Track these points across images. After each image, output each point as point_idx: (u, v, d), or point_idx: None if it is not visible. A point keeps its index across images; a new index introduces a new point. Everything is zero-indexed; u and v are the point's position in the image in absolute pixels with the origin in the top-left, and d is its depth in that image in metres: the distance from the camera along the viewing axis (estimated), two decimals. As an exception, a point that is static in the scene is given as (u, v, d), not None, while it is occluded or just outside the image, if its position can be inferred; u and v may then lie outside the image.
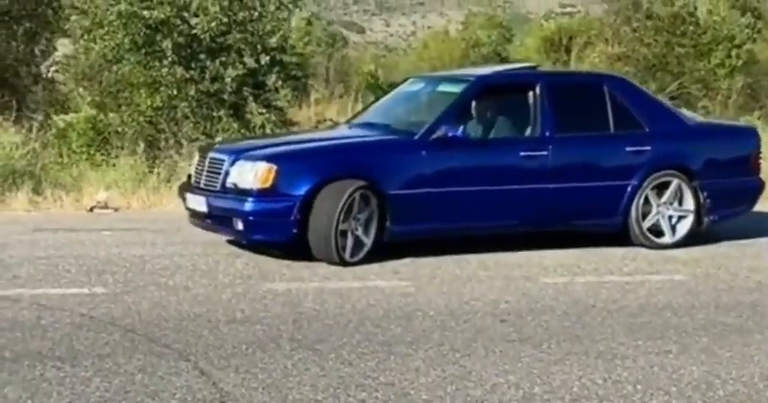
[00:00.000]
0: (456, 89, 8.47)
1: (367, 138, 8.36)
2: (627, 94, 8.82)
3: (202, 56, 13.04)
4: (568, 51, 27.95)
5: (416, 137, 8.01)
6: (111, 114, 13.37)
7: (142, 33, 12.80)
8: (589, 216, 8.46)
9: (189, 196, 8.10)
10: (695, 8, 21.70)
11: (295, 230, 7.51)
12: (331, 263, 7.58)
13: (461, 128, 8.01)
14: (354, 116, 9.66)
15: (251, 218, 7.57)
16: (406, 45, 49.89)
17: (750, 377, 5.32)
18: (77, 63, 14.77)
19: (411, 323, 6.15)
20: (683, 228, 8.62)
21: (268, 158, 7.65)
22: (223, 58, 13.02)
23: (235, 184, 7.66)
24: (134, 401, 4.67)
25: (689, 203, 8.57)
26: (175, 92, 13.00)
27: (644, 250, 8.55)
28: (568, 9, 46.77)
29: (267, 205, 7.54)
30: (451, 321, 6.23)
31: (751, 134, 9.37)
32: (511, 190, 8.12)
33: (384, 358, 5.44)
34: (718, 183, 8.63)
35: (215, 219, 7.86)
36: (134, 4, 12.61)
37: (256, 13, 13.33)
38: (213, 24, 12.83)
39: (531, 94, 8.42)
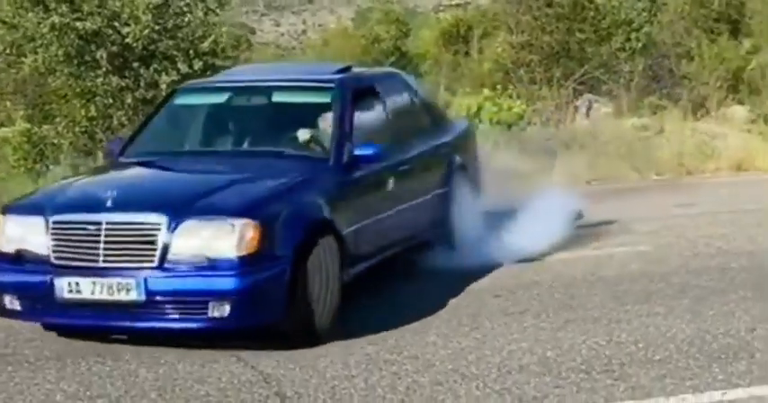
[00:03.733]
0: (317, 99, 6.88)
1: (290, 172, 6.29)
2: None
3: (136, 64, 13.21)
4: (467, 42, 28.54)
5: (330, 163, 6.40)
6: (45, 126, 13.45)
7: (75, 44, 12.91)
8: None
9: (65, 282, 5.56)
10: (596, -6, 22.44)
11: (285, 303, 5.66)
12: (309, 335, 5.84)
13: (361, 143, 6.56)
14: (130, 143, 7.01)
15: (240, 297, 5.48)
16: (297, 44, 49.98)
17: (737, 331, 5.84)
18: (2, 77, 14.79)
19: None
20: None
21: (246, 212, 5.62)
22: (156, 66, 13.20)
23: (196, 255, 5.51)
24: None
25: None
26: (111, 101, 13.15)
27: (603, 227, 9.02)
28: (456, 1, 47.50)
29: (259, 276, 5.55)
30: (455, 301, 6.65)
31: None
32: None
33: (400, 336, 5.85)
34: None
35: (157, 309, 5.55)
36: (66, 16, 12.72)
37: (185, 20, 13.53)
38: (145, 32, 13.00)
39: (405, 95, 7.62)
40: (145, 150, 6.81)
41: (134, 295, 5.48)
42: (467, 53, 27.77)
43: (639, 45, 21.83)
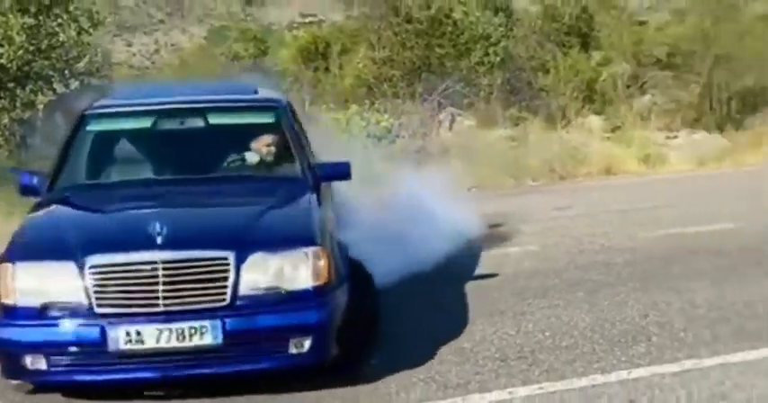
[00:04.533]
0: (260, 119, 6.47)
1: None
2: None
3: (11, 84, 13.15)
4: (326, 59, 28.93)
5: (308, 182, 6.09)
6: None
7: (-52, 67, 12.80)
8: None
9: (121, 332, 4.88)
10: (451, 10, 23.10)
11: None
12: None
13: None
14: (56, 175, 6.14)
15: (322, 329, 5.14)
16: (150, 63, 49.45)
17: (632, 318, 6.34)
18: None
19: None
20: None
21: (315, 239, 5.24)
22: (32, 86, 13.18)
23: (269, 289, 5.08)
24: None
25: None
26: (-14, 122, 13.08)
27: (493, 229, 9.49)
28: (309, 19, 47.80)
29: (335, 305, 5.23)
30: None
31: None
32: None
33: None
34: None
35: (236, 351, 5.03)
36: (-60, 38, 12.62)
37: (59, 40, 13.54)
38: (19, 53, 12.96)
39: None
40: (82, 182, 6.13)
41: (209, 339, 4.90)
42: (327, 69, 28.14)
43: (497, 59, 22.59)
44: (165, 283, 4.90)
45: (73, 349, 4.90)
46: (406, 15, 23.07)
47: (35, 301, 4.93)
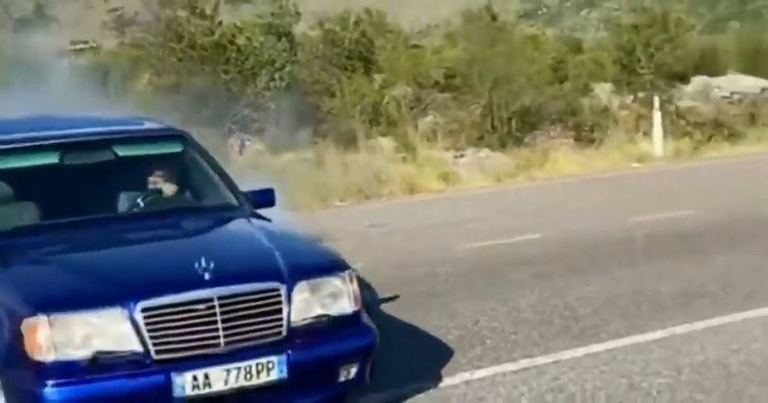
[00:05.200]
0: (168, 149, 6.31)
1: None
2: None
3: None
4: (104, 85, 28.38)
5: (246, 209, 6.08)
6: None
7: None
8: None
9: (188, 378, 4.66)
10: (234, 36, 23.14)
11: None
12: None
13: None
14: None
15: (369, 353, 5.18)
16: None
17: (464, 324, 6.98)
18: None
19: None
20: None
21: (344, 264, 5.30)
22: None
23: (316, 317, 5.03)
24: None
25: None
26: None
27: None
28: (80, 46, 46.73)
29: (372, 328, 5.29)
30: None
31: None
32: None
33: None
34: None
35: (299, 383, 4.94)
36: None
37: None
38: None
39: None
40: (8, 227, 5.58)
41: (275, 374, 4.79)
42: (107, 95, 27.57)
43: (283, 84, 22.77)
44: (223, 321, 4.69)
45: (130, 401, 4.55)
46: (190, 41, 22.95)
47: (81, 355, 4.53)
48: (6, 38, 47.11)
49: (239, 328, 4.72)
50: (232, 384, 4.66)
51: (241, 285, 4.79)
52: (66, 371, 4.48)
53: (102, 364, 4.52)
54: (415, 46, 29.50)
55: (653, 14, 28.31)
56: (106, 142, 6.10)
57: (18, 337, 4.51)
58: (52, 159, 5.87)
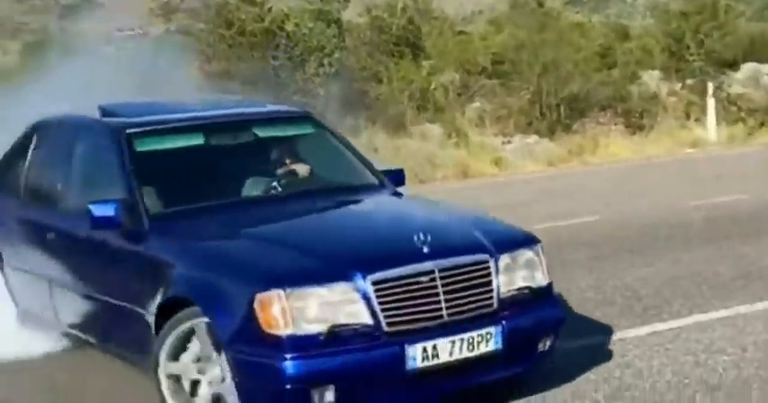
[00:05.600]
0: (300, 130, 6.37)
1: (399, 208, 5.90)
2: None
3: None
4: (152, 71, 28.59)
5: (389, 189, 6.13)
6: None
7: None
8: None
9: (418, 350, 4.71)
10: (284, 22, 23.25)
11: None
12: None
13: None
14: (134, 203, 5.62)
15: (562, 326, 5.40)
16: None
17: None
18: None
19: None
20: None
21: (535, 238, 5.39)
22: None
23: (519, 290, 5.13)
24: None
25: None
26: None
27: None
28: (128, 32, 47.17)
29: (560, 302, 5.57)
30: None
31: None
32: None
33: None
34: None
35: (511, 355, 5.03)
36: None
37: None
38: None
39: None
40: (183, 207, 5.58)
41: (492, 345, 4.86)
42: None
43: (332, 70, 22.87)
44: (444, 293, 4.77)
45: (367, 374, 4.62)
46: (239, 28, 23.10)
47: (317, 329, 4.58)
48: (53, 24, 47.57)
49: (458, 300, 4.80)
50: (456, 355, 4.74)
51: (458, 257, 4.87)
52: (303, 344, 4.54)
53: (336, 337, 4.58)
54: (460, 32, 29.53)
55: (702, 1, 28.15)
56: (247, 123, 6.18)
57: (250, 313, 4.56)
58: (198, 140, 5.95)
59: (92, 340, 6.03)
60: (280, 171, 6.06)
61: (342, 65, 23.30)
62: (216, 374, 4.83)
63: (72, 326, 6.20)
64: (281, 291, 4.54)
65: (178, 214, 5.50)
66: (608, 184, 13.10)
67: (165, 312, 5.01)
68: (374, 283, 4.64)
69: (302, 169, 6.09)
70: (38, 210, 6.49)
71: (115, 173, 5.69)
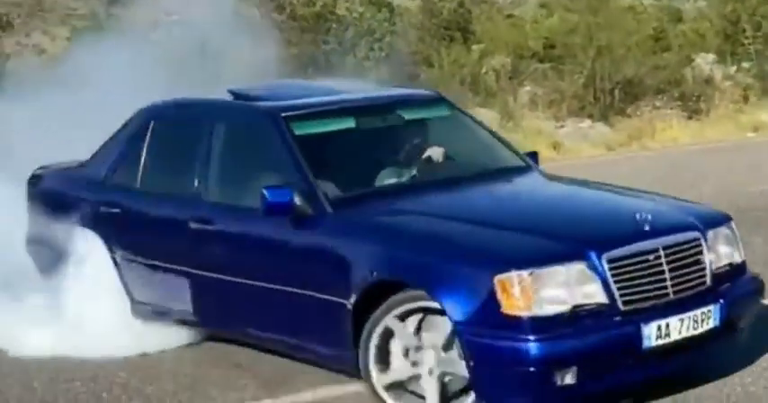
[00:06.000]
0: (439, 112, 6.36)
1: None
2: None
3: None
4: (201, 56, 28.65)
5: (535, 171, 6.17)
6: None
7: None
8: None
9: (653, 328, 4.77)
10: (334, 6, 23.17)
11: None
12: None
13: None
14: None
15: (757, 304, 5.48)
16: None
17: None
18: None
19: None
20: None
21: (728, 215, 5.49)
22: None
23: (720, 267, 5.20)
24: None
25: None
26: None
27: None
28: (175, 17, 47.18)
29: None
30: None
31: None
32: None
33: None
34: None
35: (727, 332, 5.13)
36: None
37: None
38: None
39: None
40: (362, 191, 5.60)
41: (711, 322, 4.92)
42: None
43: (383, 54, 22.75)
44: (669, 271, 4.82)
45: (605, 355, 4.62)
46: (291, 12, 23.06)
47: (558, 309, 4.57)
48: (101, 9, 47.73)
49: (681, 278, 4.85)
50: (684, 334, 4.77)
51: (677, 235, 4.92)
52: (545, 325, 4.53)
53: (575, 318, 4.56)
54: (509, 16, 29.30)
55: (759, -17, 27.71)
56: (392, 106, 6.16)
57: (489, 295, 4.53)
58: (349, 124, 5.88)
59: (258, 334, 5.83)
60: (423, 154, 5.96)
61: (392, 49, 23.18)
62: (432, 362, 4.79)
63: (221, 320, 6.04)
64: (522, 272, 4.52)
65: (356, 198, 5.45)
66: (671, 169, 12.87)
67: (368, 298, 4.95)
68: (609, 262, 4.64)
69: (438, 153, 5.98)
70: (166, 200, 6.23)
71: (279, 158, 5.60)
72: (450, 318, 4.60)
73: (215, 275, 5.84)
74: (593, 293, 4.59)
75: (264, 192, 5.22)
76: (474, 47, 25.08)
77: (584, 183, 6.00)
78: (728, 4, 27.37)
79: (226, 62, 26.82)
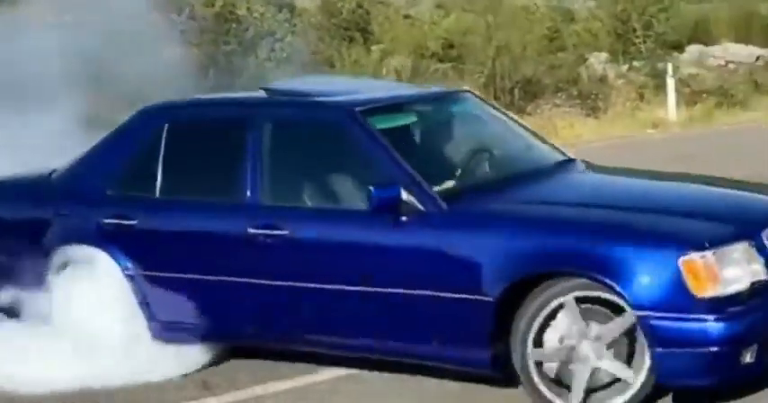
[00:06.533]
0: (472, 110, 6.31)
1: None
2: None
3: None
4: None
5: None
6: None
7: None
8: None
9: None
10: (234, 6, 23.04)
11: None
12: None
13: None
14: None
15: None
16: None
17: None
18: None
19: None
20: None
21: None
22: None
23: None
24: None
25: None
26: None
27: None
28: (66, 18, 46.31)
29: None
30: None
31: None
32: None
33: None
34: None
35: None
36: None
37: None
38: None
39: None
40: (462, 185, 5.45)
41: None
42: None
43: (284, 55, 22.69)
44: None
45: None
46: (190, 13, 22.83)
47: (738, 288, 4.62)
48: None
49: None
50: None
51: None
52: (730, 304, 4.58)
53: (752, 295, 4.63)
54: (406, 16, 29.51)
55: (647, -17, 28.42)
56: (441, 100, 6.18)
57: (673, 277, 4.55)
58: (411, 118, 5.74)
59: (350, 342, 5.41)
60: (476, 147, 5.87)
61: (294, 49, 23.15)
62: (588, 353, 4.75)
63: (296, 330, 5.55)
64: (706, 253, 4.56)
65: (466, 192, 5.30)
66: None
67: (514, 293, 4.81)
68: None
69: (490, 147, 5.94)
70: (204, 208, 5.71)
71: (367, 155, 5.32)
72: (632, 305, 4.60)
73: (293, 283, 5.40)
74: (758, 271, 4.69)
75: (373, 190, 4.98)
76: (374, 47, 25.20)
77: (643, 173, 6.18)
78: (619, 3, 28.05)
79: (122, 65, 26.41)
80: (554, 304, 4.74)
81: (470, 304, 4.87)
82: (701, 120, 17.19)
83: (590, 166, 5.97)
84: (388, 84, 6.69)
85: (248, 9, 23.11)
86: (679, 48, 27.02)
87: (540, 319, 4.76)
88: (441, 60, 24.46)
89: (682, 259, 4.54)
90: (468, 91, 6.46)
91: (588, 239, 4.75)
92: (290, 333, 5.53)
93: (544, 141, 6.19)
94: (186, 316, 5.74)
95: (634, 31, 27.06)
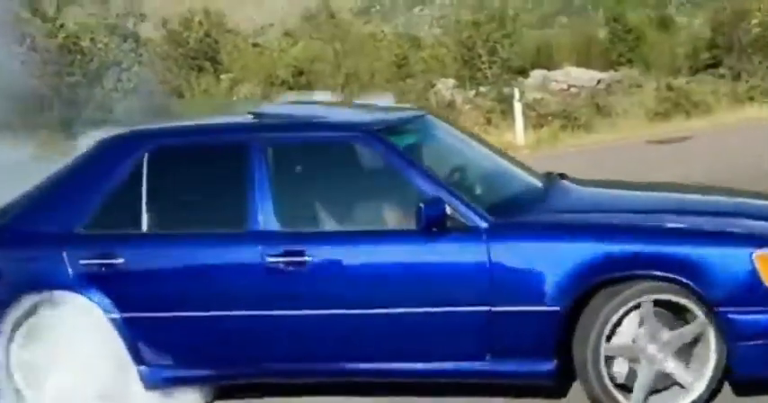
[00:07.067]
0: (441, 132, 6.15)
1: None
2: None
3: None
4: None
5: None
6: None
7: None
8: None
9: None
10: (78, 38, 22.67)
11: None
12: None
13: None
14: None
15: None
16: None
17: None
18: None
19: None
20: None
21: None
22: None
23: None
24: None
25: None
26: None
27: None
28: None
29: None
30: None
31: None
32: None
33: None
34: None
35: None
36: None
37: None
38: None
39: None
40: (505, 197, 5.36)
41: None
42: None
43: (131, 85, 22.39)
44: None
45: None
46: (31, 43, 22.33)
47: None
48: None
49: None
50: None
51: None
52: None
53: None
54: (255, 45, 29.52)
55: (491, 11, 29.12)
56: (419, 122, 5.83)
57: (747, 273, 4.76)
58: (413, 139, 5.53)
59: (392, 367, 5.16)
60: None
61: (140, 80, 22.88)
62: (655, 354, 4.84)
63: (323, 361, 5.21)
64: None
65: (505, 205, 5.13)
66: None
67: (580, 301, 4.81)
68: None
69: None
70: (202, 240, 5.26)
71: (398, 174, 5.11)
72: (710, 302, 4.76)
73: (323, 312, 5.10)
74: None
75: (422, 207, 4.82)
76: (223, 76, 25.10)
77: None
78: (464, 30, 28.65)
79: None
80: (629, 306, 4.82)
81: (534, 315, 4.83)
82: (548, 143, 17.52)
83: (574, 181, 5.97)
84: (357, 107, 6.29)
85: (92, 40, 22.72)
86: (523, 73, 27.73)
87: (610, 324, 4.79)
88: (291, 88, 24.49)
89: (755, 254, 4.77)
90: (429, 112, 6.24)
91: (666, 242, 4.91)
92: (327, 363, 5.18)
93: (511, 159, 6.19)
94: (186, 357, 5.32)
95: (480, 57, 27.72)
